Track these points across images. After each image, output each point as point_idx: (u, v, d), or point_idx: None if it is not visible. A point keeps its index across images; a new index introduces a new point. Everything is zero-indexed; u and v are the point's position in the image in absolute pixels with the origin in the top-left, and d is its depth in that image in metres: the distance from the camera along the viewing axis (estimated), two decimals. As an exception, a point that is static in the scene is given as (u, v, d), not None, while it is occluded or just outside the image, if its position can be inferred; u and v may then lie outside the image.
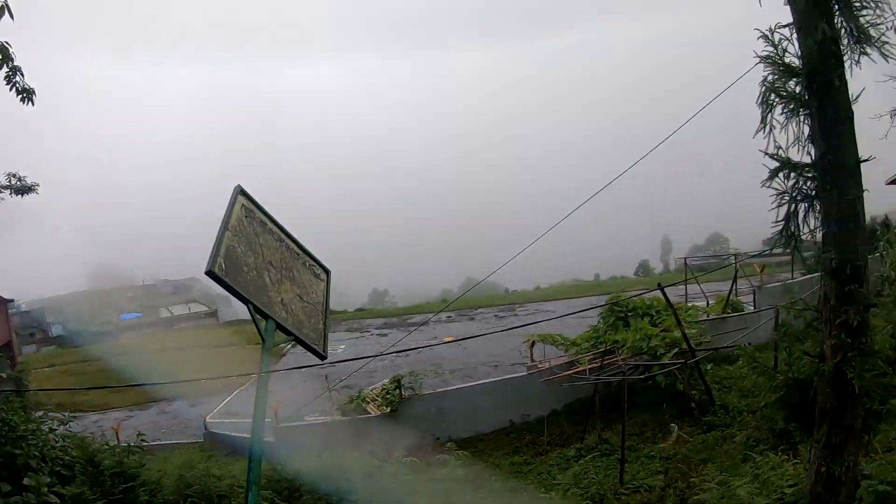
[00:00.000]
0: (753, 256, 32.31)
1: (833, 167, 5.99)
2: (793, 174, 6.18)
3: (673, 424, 17.39)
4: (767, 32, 6.21)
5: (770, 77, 6.29)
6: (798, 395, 6.87)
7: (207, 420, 24.36)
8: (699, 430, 16.92)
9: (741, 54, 6.66)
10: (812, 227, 6.30)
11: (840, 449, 6.45)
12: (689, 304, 26.57)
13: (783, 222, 6.21)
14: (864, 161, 6.15)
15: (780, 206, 6.21)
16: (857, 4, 6.03)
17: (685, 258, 37.19)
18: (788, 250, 6.41)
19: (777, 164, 6.18)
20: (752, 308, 25.80)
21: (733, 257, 34.04)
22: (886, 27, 6.21)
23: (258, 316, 6.65)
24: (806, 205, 6.21)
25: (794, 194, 6.19)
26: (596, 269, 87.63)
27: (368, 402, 22.48)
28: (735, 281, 27.05)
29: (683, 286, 30.01)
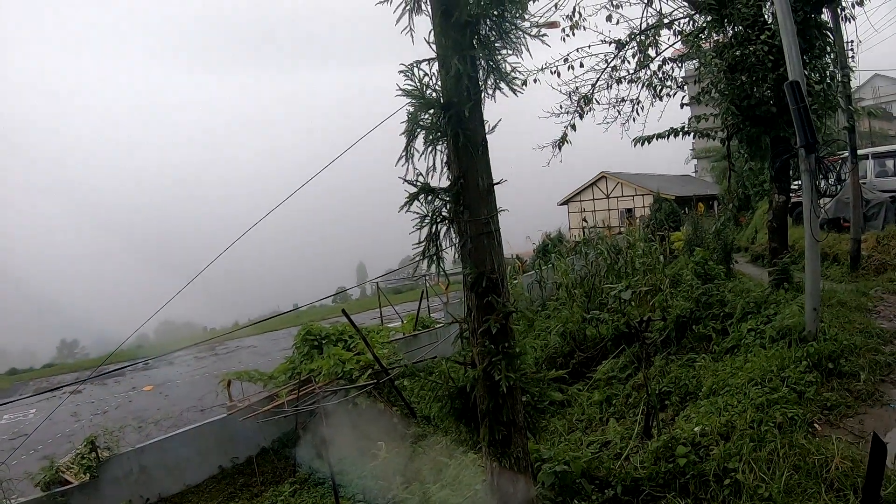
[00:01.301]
0: (442, 275, 34.21)
1: (466, 190, 6.61)
2: (431, 197, 6.70)
3: (379, 442, 17.89)
4: (407, 67, 6.69)
5: (413, 109, 6.77)
6: (462, 400, 7.38)
7: None
8: (406, 444, 17.58)
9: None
10: (455, 245, 6.85)
11: (506, 443, 7.04)
12: (382, 326, 27.54)
13: (425, 242, 6.70)
14: (497, 184, 6.84)
15: (421, 227, 6.69)
16: (498, 45, 6.70)
17: (377, 281, 38.50)
18: (435, 270, 6.91)
19: (415, 189, 6.66)
20: (443, 323, 27.38)
21: (424, 277, 35.86)
22: (516, 67, 6.95)
23: None
24: (445, 226, 6.74)
25: (433, 216, 6.70)
26: (295, 299, 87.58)
27: (66, 472, 20.60)
28: (422, 299, 28.52)
29: (379, 309, 31.05)
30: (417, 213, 6.66)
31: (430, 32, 6.67)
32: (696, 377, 12.64)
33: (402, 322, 29.27)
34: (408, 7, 6.63)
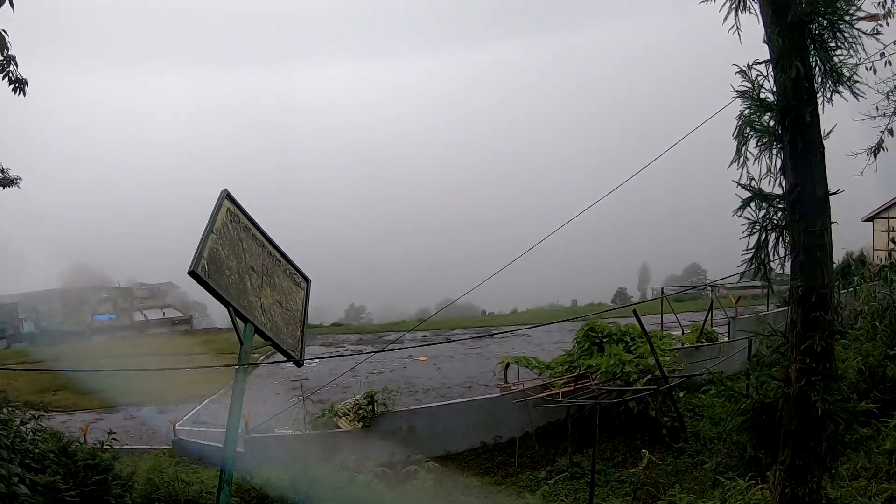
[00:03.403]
0: (729, 287, 32.71)
1: (802, 198, 6.19)
2: (764, 204, 6.37)
3: (644, 450, 17.52)
4: (745, 69, 6.42)
5: (746, 111, 6.48)
6: (764, 418, 6.99)
7: (176, 427, 24.19)
8: (670, 457, 17.10)
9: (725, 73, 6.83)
10: (781, 257, 6.48)
11: (804, 472, 6.58)
12: (665, 333, 26.77)
13: (753, 251, 6.39)
14: (833, 194, 6.36)
15: (750, 234, 6.39)
16: (832, 45, 6.25)
17: (662, 287, 37.53)
18: (759, 280, 6.58)
19: (749, 194, 6.36)
20: (727, 338, 26.09)
21: (709, 288, 34.42)
22: (857, 67, 6.44)
23: (237, 319, 6.72)
24: (776, 234, 6.38)
25: (764, 224, 6.36)
26: (574, 296, 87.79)
27: (340, 417, 22.41)
28: (710, 311, 27.33)
29: (660, 315, 30.29)
30: (747, 220, 6.38)
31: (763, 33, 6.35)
32: None
33: (683, 332, 28.35)
34: (733, 5, 6.34)
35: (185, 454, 20.79)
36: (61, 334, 70.26)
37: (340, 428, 21.79)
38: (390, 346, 37.08)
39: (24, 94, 8.22)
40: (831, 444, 6.89)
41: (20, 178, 19.54)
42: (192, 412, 28.91)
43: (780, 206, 6.36)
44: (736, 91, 6.46)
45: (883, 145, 18.50)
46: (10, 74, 7.94)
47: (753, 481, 9.89)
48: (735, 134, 6.53)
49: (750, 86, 6.42)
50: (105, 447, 8.84)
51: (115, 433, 10.47)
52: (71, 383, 34.05)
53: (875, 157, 19.40)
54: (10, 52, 7.76)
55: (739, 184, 6.37)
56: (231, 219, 7.16)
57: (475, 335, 43.44)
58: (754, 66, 6.40)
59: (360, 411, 21.95)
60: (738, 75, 6.46)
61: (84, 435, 18.62)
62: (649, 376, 19.43)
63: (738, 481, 10.09)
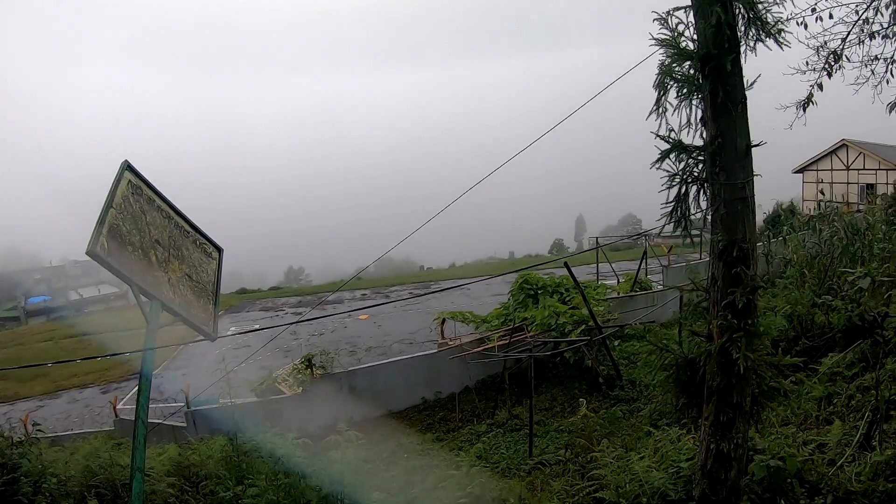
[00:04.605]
0: (664, 237, 33.15)
1: (723, 150, 6.07)
2: (684, 156, 6.24)
3: (581, 399, 17.69)
4: (664, 15, 6.23)
5: (666, 60, 6.31)
6: (688, 373, 6.96)
7: (118, 407, 23.64)
8: (607, 405, 17.29)
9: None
10: (703, 209, 6.37)
11: (729, 426, 6.58)
12: (599, 283, 27.05)
13: (673, 203, 6.27)
14: (756, 146, 6.25)
15: (670, 187, 6.26)
16: None
17: (597, 237, 37.85)
18: (681, 233, 6.48)
19: (668, 146, 6.22)
20: (661, 287, 26.48)
21: (643, 237, 34.85)
22: (788, 21, 6.30)
23: (143, 297, 6.42)
24: (696, 187, 6.27)
25: (684, 176, 6.24)
26: (512, 248, 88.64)
27: (281, 382, 22.24)
28: (644, 260, 27.66)
29: (596, 265, 30.58)
30: (667, 172, 6.24)
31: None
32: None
33: (619, 281, 28.66)
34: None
35: (127, 434, 20.41)
36: (-5, 320, 68.61)
37: (283, 394, 21.60)
38: (326, 311, 36.92)
39: None
40: (755, 398, 6.90)
41: None
42: (135, 390, 28.32)
43: (700, 158, 6.24)
44: (655, 39, 6.28)
45: (812, 99, 18.59)
46: None
47: (685, 430, 9.95)
48: (655, 84, 6.37)
49: (669, 34, 6.25)
50: (16, 443, 8.45)
51: (38, 424, 10.15)
52: (10, 372, 33.21)
53: (804, 110, 19.50)
54: None
55: (658, 135, 6.22)
56: (133, 191, 6.77)
57: (414, 291, 43.49)
58: (674, 13, 6.22)
59: (300, 375, 21.78)
60: (657, 22, 6.26)
61: (24, 425, 18.13)
62: (583, 327, 19.60)
63: (671, 431, 10.15)
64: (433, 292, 40.23)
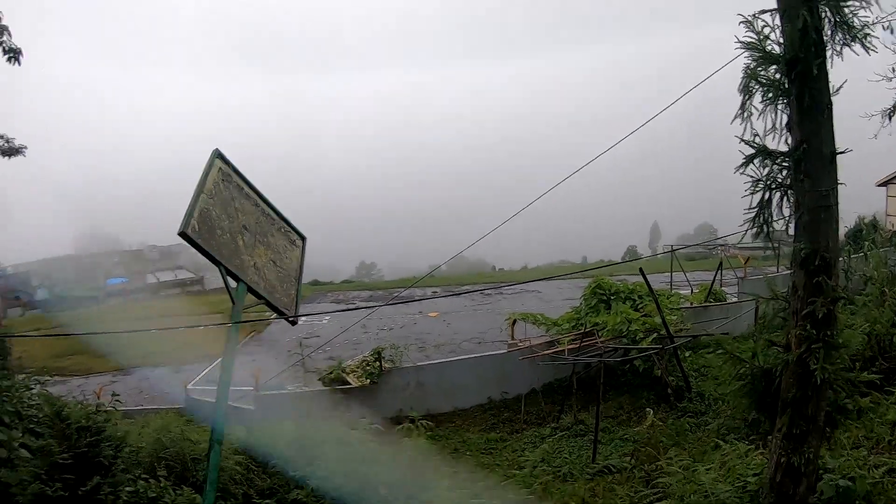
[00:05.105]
0: (740, 248, 32.49)
1: (808, 157, 5.98)
2: (768, 162, 6.16)
3: (648, 409, 17.51)
4: (750, 18, 6.18)
5: (751, 64, 6.26)
6: (763, 384, 6.85)
7: (188, 387, 24.44)
8: (674, 416, 17.03)
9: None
10: (786, 217, 6.28)
11: (801, 440, 6.47)
12: (673, 292, 26.63)
13: (756, 210, 6.20)
14: (841, 153, 6.15)
15: (753, 193, 6.19)
16: None
17: (672, 245, 37.27)
18: (762, 240, 6.40)
19: (752, 150, 6.16)
20: (735, 299, 25.94)
21: (719, 247, 34.19)
22: (873, 25, 6.18)
23: (229, 278, 6.65)
24: (780, 193, 6.18)
25: (768, 182, 6.16)
26: (585, 253, 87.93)
27: (349, 374, 22.53)
28: (719, 270, 27.13)
29: (669, 273, 30.13)
30: (750, 177, 6.17)
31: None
32: None
33: (692, 291, 28.18)
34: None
35: (195, 414, 21.08)
36: (75, 300, 71.42)
37: (349, 384, 21.94)
38: (400, 301, 37.23)
39: (19, 64, 8.14)
40: (830, 413, 6.77)
41: (25, 147, 19.58)
42: (204, 372, 29.16)
43: (784, 164, 6.15)
44: (741, 42, 6.22)
45: (899, 108, 17.89)
46: (4, 45, 7.83)
47: (753, 445, 9.78)
48: (740, 88, 6.32)
49: (755, 37, 6.19)
50: (100, 409, 8.84)
51: (118, 395, 10.55)
52: (86, 347, 34.52)
53: (890, 119, 18.80)
54: (2, 23, 7.62)
55: (743, 140, 6.17)
56: (223, 178, 7.03)
57: (485, 291, 43.47)
58: (759, 17, 6.16)
59: (368, 368, 22.06)
60: (742, 25, 6.21)
61: (98, 397, 18.88)
62: (655, 335, 19.33)
63: (739, 445, 9.98)
64: (503, 291, 40.24)
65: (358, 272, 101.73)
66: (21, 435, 7.08)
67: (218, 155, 6.99)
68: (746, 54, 6.30)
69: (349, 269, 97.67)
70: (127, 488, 7.44)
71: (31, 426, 7.84)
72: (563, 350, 20.40)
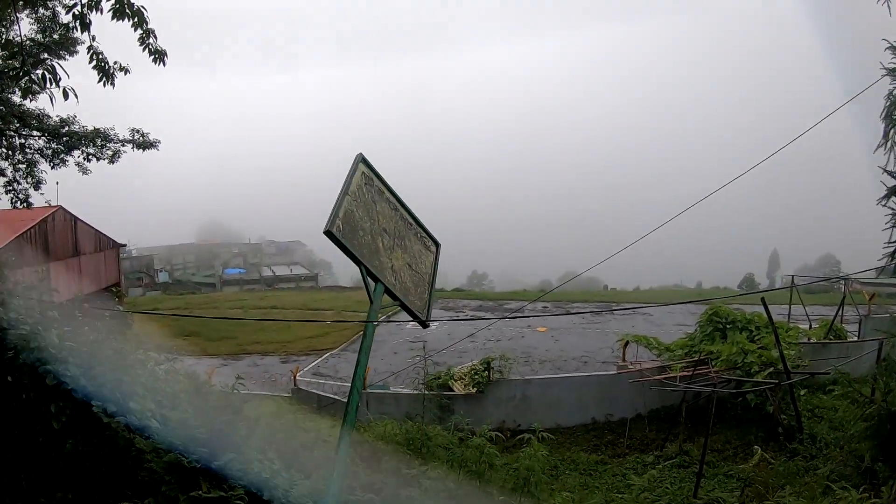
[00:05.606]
0: (864, 283, 31.03)
1: (956, 192, 5.81)
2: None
3: (756, 447, 17.00)
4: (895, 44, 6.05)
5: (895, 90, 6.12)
6: (889, 427, 6.61)
7: (297, 377, 25.42)
8: (783, 456, 16.50)
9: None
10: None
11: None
12: (791, 325, 25.72)
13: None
14: None
15: (894, 227, 6.02)
16: None
17: (792, 276, 35.88)
18: (899, 276, 6.25)
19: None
20: (857, 337, 24.86)
21: (842, 281, 32.77)
22: None
23: (368, 278, 6.95)
24: (923, 228, 6.00)
25: (912, 216, 5.99)
26: (700, 278, 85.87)
27: (456, 381, 22.87)
28: (841, 306, 26.01)
29: (787, 306, 29.09)
30: (892, 210, 6.01)
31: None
32: None
33: (811, 326, 27.14)
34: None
35: (303, 403, 21.91)
36: (193, 284, 75.04)
37: (455, 391, 22.25)
38: (512, 315, 37.31)
39: (164, 64, 8.60)
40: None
41: (159, 141, 20.86)
42: (313, 364, 30.25)
43: (931, 197, 5.98)
44: (885, 68, 6.09)
45: None
46: (150, 46, 8.31)
47: (867, 494, 9.44)
48: (882, 115, 6.17)
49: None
50: (234, 390, 9.32)
51: (242, 378, 11.08)
52: (201, 330, 36.70)
53: None
54: (149, 27, 8.08)
55: (886, 170, 6.02)
56: (365, 182, 7.35)
57: (596, 310, 43.01)
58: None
59: (476, 376, 22.38)
60: (888, 51, 6.08)
61: (210, 377, 19.83)
62: (771, 369, 18.73)
63: (851, 492, 9.65)
64: (615, 311, 39.76)
65: (469, 281, 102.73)
66: (152, 405, 7.52)
67: (362, 159, 7.34)
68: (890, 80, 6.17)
69: (461, 277, 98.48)
70: (255, 469, 7.85)
71: (160, 399, 8.32)
72: (675, 377, 20.07)
